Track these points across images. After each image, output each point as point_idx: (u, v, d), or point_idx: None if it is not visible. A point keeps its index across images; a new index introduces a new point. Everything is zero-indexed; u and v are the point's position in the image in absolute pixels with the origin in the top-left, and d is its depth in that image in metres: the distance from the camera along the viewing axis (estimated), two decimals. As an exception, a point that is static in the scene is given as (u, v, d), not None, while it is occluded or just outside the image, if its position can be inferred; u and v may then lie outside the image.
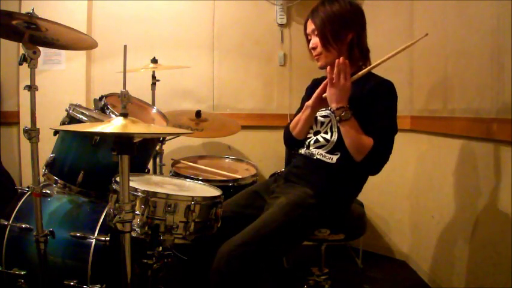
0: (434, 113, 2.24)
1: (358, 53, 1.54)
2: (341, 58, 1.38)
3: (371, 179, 2.66)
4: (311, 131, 1.60)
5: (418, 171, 2.47)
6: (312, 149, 1.54)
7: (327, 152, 1.50)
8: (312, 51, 1.55)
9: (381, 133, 1.41)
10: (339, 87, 1.38)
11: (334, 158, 1.49)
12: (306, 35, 1.58)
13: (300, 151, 1.61)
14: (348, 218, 1.57)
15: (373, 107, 1.44)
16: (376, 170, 1.43)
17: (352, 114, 1.39)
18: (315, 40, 1.52)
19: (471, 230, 1.85)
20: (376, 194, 2.68)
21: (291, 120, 1.67)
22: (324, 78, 1.63)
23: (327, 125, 1.55)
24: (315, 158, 1.52)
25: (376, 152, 1.38)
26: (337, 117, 1.39)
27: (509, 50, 1.55)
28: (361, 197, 2.30)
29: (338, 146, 1.48)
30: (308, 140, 1.59)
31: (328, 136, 1.52)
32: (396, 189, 2.63)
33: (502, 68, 1.60)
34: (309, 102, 1.52)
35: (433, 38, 2.26)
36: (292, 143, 1.66)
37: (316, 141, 1.55)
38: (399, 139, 2.62)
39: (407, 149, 2.54)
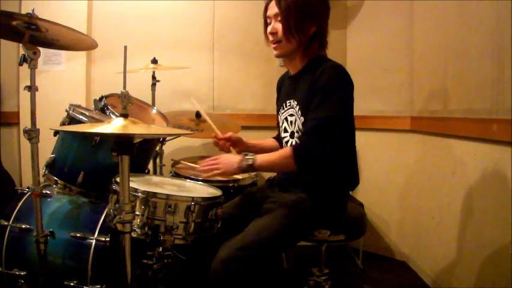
0: (435, 114, 2.24)
1: (318, 46, 1.46)
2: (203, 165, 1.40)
3: (371, 179, 2.67)
4: (287, 133, 1.54)
5: (418, 171, 2.47)
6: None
7: None
8: (270, 36, 1.44)
9: (309, 128, 1.35)
10: (221, 166, 1.38)
11: None
12: (266, 17, 1.46)
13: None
14: (348, 219, 1.57)
15: (314, 99, 1.36)
16: (313, 167, 1.40)
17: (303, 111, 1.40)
18: (276, 25, 1.42)
19: (471, 230, 1.85)
20: (376, 195, 2.68)
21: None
22: (286, 72, 1.63)
23: (294, 124, 1.49)
24: None
25: (300, 155, 1.34)
26: (250, 170, 1.38)
27: (509, 50, 1.55)
28: (361, 198, 2.31)
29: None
30: (287, 144, 1.54)
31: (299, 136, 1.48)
32: (396, 189, 2.63)
33: (502, 68, 1.60)
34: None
35: (433, 38, 2.27)
36: None
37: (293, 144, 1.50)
38: (399, 139, 2.63)
39: (407, 149, 2.54)
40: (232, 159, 1.40)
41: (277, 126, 1.64)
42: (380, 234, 2.72)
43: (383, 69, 2.65)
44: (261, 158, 1.38)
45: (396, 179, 2.63)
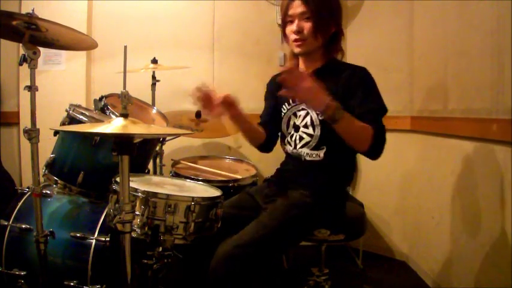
0: (434, 114, 2.24)
1: (336, 47, 1.53)
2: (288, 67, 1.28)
3: (371, 179, 2.66)
4: (292, 128, 1.56)
5: (418, 171, 2.47)
6: (299, 149, 1.53)
7: (312, 149, 1.49)
8: (295, 34, 1.46)
9: (374, 115, 1.35)
10: (309, 89, 1.22)
11: (321, 154, 1.48)
12: (287, 15, 1.48)
13: (287, 149, 1.60)
14: (347, 219, 1.57)
15: (354, 97, 1.39)
16: (380, 153, 1.36)
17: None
18: (302, 24, 1.44)
19: (471, 230, 1.85)
20: (376, 194, 2.68)
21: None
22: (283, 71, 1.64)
23: (304, 118, 1.52)
24: (303, 159, 1.51)
25: (377, 135, 1.32)
26: (330, 120, 1.25)
27: (509, 50, 1.55)
28: (361, 198, 2.31)
29: (323, 140, 1.46)
30: (292, 138, 1.56)
31: (310, 131, 1.49)
32: (396, 189, 2.63)
33: (502, 68, 1.60)
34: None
35: (433, 38, 2.27)
36: (262, 149, 1.70)
37: (301, 138, 1.52)
38: (399, 139, 2.63)
39: (407, 149, 2.54)
40: (318, 97, 1.23)
41: (264, 122, 1.67)
42: (380, 234, 2.72)
43: (383, 69, 2.64)
44: (347, 117, 1.26)
45: (396, 179, 2.63)
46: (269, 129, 1.67)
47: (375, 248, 2.70)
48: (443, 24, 2.12)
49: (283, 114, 1.60)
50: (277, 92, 1.64)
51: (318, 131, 1.47)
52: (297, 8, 1.45)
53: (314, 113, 1.49)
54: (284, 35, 1.53)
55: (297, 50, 1.49)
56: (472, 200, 1.85)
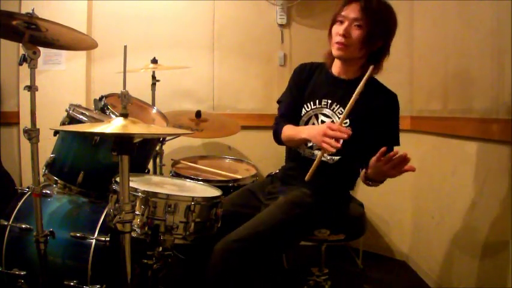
0: (435, 113, 2.24)
1: (377, 67, 1.48)
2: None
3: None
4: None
5: (418, 171, 2.45)
6: (315, 150, 1.52)
7: (329, 155, 1.48)
8: (340, 37, 1.40)
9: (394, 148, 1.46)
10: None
11: (336, 159, 1.49)
12: (339, 14, 1.42)
13: (298, 149, 1.58)
14: (347, 218, 1.57)
15: (388, 122, 1.50)
16: None
17: (365, 124, 1.44)
18: (351, 30, 1.39)
19: (471, 230, 1.85)
20: (377, 195, 2.67)
21: (280, 120, 1.60)
22: (313, 63, 1.61)
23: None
24: (313, 158, 1.50)
25: None
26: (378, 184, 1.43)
27: (509, 50, 1.55)
28: (361, 198, 2.30)
29: (342, 150, 1.41)
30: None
31: None
32: (396, 189, 2.63)
33: (502, 68, 1.60)
34: (312, 138, 1.40)
35: (433, 38, 2.27)
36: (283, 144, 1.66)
37: None
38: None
39: (407, 149, 2.49)
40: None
41: (287, 116, 1.59)
42: (380, 234, 2.72)
43: (383, 69, 2.64)
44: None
45: (396, 179, 2.62)
46: (290, 122, 1.59)
47: (375, 248, 2.70)
48: (443, 24, 2.12)
49: (304, 112, 1.55)
50: (305, 82, 1.59)
51: (340, 141, 1.37)
52: (352, 12, 1.39)
53: (335, 118, 1.49)
54: (329, 33, 1.47)
55: (336, 53, 1.44)
56: (472, 200, 1.85)
